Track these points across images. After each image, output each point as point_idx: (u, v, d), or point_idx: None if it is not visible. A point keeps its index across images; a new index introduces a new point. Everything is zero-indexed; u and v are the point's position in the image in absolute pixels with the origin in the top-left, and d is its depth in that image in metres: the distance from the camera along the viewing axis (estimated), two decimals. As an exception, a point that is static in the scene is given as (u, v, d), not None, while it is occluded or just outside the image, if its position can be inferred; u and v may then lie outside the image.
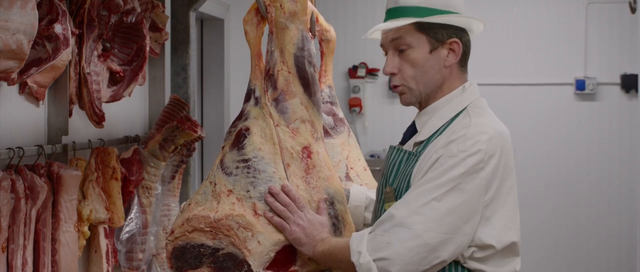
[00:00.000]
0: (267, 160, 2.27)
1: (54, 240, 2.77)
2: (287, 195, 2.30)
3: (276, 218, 2.28)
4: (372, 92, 7.41)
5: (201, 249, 2.24)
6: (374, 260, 2.13)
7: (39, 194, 2.63)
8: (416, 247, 2.12)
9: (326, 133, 2.73)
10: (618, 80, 7.07)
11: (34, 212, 2.64)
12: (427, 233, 2.12)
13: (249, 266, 2.20)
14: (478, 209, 2.15)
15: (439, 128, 2.28)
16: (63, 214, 2.79)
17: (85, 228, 3.01)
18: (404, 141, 2.40)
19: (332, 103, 2.85)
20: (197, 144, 3.69)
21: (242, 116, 2.37)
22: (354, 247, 2.17)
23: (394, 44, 2.32)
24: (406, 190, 2.23)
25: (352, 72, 7.35)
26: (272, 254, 2.22)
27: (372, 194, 2.59)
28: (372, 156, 7.06)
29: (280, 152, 2.28)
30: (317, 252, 2.27)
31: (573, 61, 7.13)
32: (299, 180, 2.29)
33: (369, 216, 2.57)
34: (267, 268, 2.22)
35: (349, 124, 2.89)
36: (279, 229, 2.27)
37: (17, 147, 2.60)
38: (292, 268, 2.24)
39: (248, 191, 2.25)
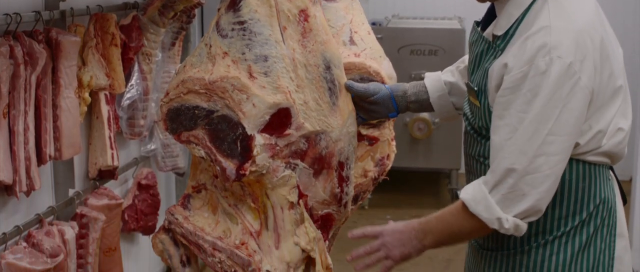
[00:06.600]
0: (263, 22, 2.24)
1: (55, 106, 2.79)
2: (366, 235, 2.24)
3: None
4: (375, -42, 7.29)
5: (196, 111, 2.23)
6: (515, 216, 2.04)
7: (38, 60, 2.63)
8: (552, 183, 2.04)
9: (329, -3, 2.69)
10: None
11: (33, 78, 2.65)
12: (557, 165, 2.03)
13: (244, 128, 2.20)
14: (585, 111, 2.05)
15: (517, 18, 2.10)
16: (63, 80, 2.80)
17: (86, 94, 3.03)
18: (484, 26, 2.24)
19: (333, -34, 2.79)
20: (196, 11, 3.66)
21: (238, -22, 2.32)
22: (487, 216, 2.05)
23: None
24: (484, 88, 2.11)
25: (354, -63, 7.19)
26: (267, 117, 2.21)
27: (446, 77, 2.49)
28: (374, 23, 6.97)
29: (276, 15, 2.25)
30: (428, 246, 2.19)
31: None
32: (295, 43, 2.27)
33: (455, 99, 2.47)
34: (262, 131, 2.22)
35: (349, -11, 2.84)
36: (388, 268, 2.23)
37: (14, 13, 2.59)
38: (287, 131, 2.24)
39: (243, 54, 2.23)
